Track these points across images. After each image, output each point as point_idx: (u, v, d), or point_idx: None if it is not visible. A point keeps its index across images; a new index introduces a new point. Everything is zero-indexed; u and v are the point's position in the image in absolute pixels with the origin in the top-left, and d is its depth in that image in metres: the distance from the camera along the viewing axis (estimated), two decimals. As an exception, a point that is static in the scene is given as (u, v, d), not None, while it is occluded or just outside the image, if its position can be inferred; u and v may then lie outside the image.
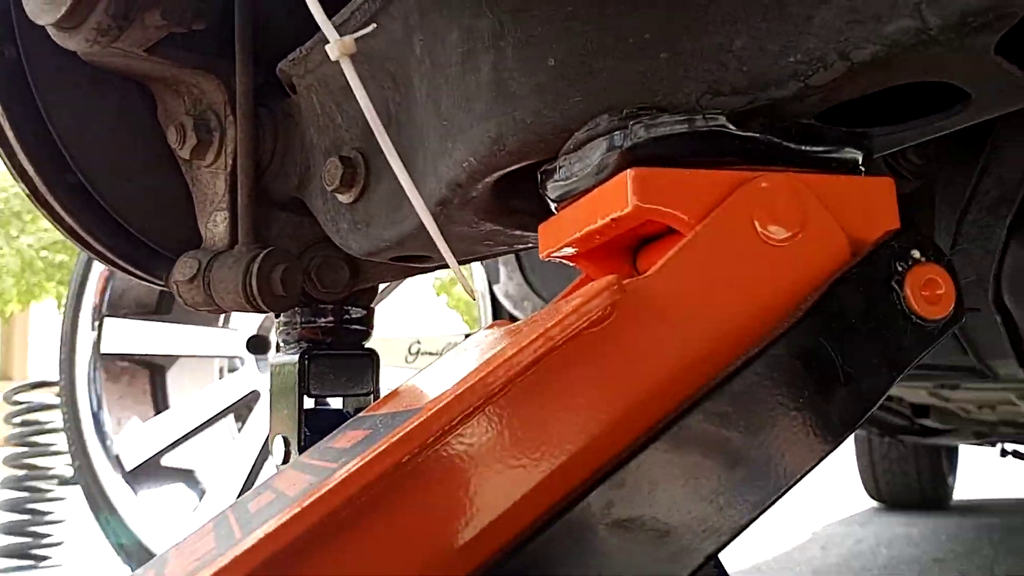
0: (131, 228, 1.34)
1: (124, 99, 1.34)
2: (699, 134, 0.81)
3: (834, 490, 5.89)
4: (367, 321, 1.46)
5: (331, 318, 1.41)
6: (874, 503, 5.39)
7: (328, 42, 0.84)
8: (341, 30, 1.04)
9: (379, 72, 1.07)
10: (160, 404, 3.25)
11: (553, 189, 0.90)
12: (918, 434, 3.55)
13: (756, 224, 0.79)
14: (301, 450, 1.41)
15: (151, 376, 3.24)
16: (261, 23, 1.25)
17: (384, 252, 1.17)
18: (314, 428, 1.42)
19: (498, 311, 3.82)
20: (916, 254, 0.80)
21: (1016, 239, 1.62)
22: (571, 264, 0.95)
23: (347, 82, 0.92)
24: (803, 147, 0.83)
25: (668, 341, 0.75)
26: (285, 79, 1.23)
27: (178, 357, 3.29)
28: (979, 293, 1.72)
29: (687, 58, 0.82)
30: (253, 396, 3.21)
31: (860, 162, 0.87)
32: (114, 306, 3.22)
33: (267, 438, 2.04)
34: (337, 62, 0.90)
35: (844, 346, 0.76)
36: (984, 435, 3.49)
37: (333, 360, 1.40)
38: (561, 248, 0.92)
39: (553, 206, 0.92)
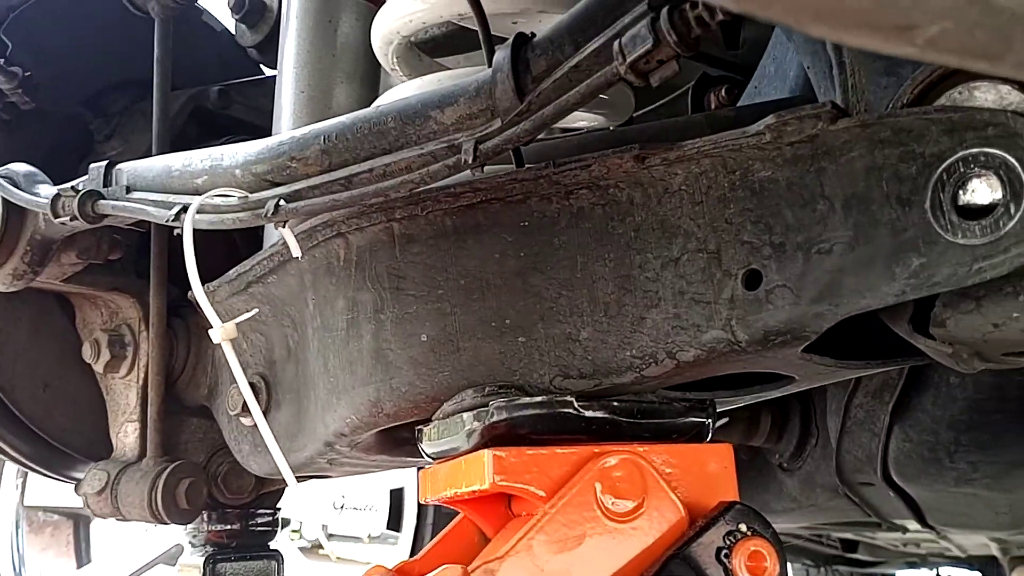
0: (45, 435, 1.40)
1: (42, 311, 1.41)
2: (551, 415, 0.90)
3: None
4: (273, 522, 1.52)
5: (237, 524, 1.47)
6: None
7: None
8: (245, 277, 1.13)
9: (280, 314, 1.15)
10: (83, 557, 3.22)
11: (428, 447, 0.99)
12: (851, 564, 3.60)
13: (599, 499, 0.87)
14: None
15: (75, 528, 3.22)
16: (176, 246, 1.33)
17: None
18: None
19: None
20: (743, 528, 0.88)
21: (898, 423, 1.71)
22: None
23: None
24: (645, 421, 0.92)
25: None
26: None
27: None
28: (869, 470, 1.82)
29: (541, 343, 0.92)
30: (178, 550, 3.18)
31: (706, 425, 0.96)
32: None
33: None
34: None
35: None
36: (916, 565, 3.55)
37: (238, 564, 1.46)
38: (439, 498, 1.00)
39: (429, 460, 1.01)
